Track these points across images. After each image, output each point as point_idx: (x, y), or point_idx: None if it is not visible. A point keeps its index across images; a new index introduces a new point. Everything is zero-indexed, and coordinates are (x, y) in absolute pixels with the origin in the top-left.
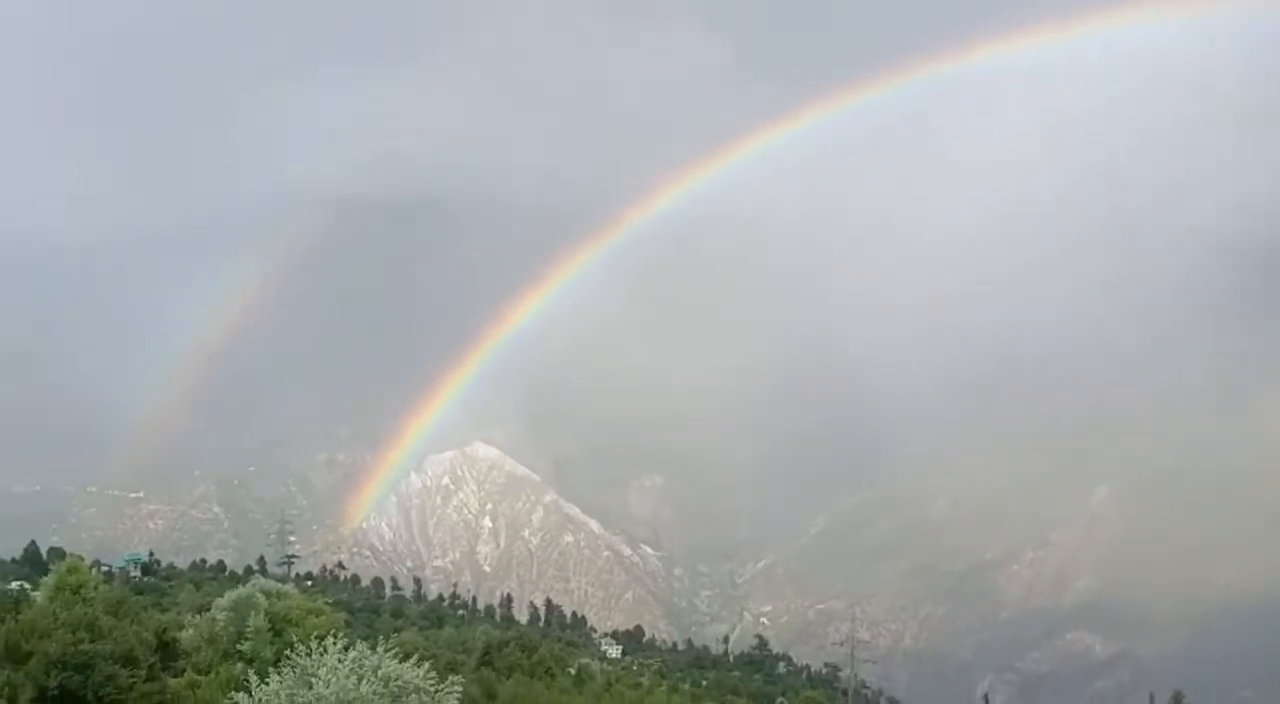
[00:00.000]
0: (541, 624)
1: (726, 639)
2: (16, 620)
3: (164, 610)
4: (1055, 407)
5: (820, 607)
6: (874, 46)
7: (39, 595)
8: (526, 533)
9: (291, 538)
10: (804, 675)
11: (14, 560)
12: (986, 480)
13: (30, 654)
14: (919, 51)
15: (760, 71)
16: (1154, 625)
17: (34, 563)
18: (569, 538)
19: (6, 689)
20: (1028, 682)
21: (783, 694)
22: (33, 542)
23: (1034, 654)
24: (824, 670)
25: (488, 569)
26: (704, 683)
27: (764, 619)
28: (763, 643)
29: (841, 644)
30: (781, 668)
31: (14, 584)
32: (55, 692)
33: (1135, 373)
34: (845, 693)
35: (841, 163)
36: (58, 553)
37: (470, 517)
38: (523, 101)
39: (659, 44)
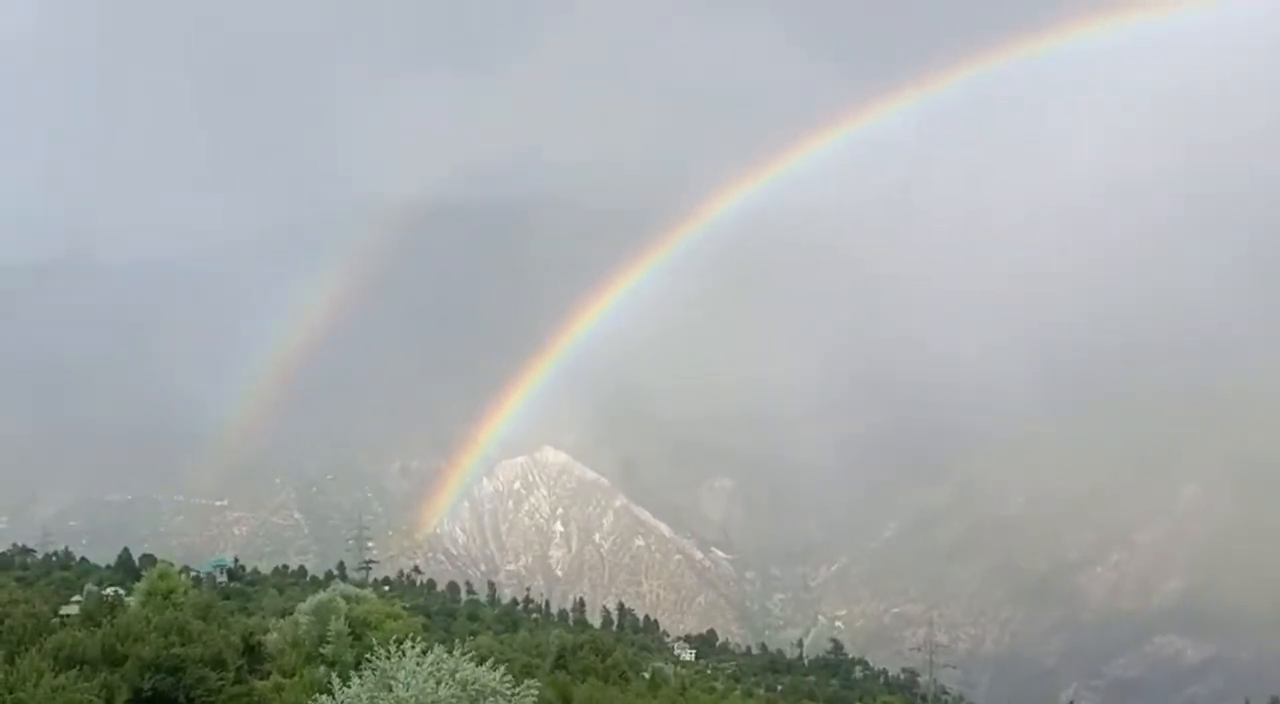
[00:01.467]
0: (614, 628)
1: (801, 643)
2: (112, 625)
3: (249, 615)
4: (1143, 399)
5: (896, 610)
6: (965, 29)
7: (132, 601)
8: (597, 537)
9: (369, 544)
10: (881, 680)
11: (109, 567)
12: (1067, 477)
13: (125, 657)
14: (1010, 32)
15: (839, 68)
16: (1248, 628)
17: (127, 569)
18: (640, 542)
19: (104, 691)
20: (1114, 688)
21: (859, 699)
22: (125, 549)
23: (1121, 659)
24: (901, 675)
25: (560, 573)
26: (779, 688)
27: (839, 623)
28: (838, 647)
29: (919, 648)
30: (858, 673)
31: (109, 590)
32: (149, 693)
33: (1228, 362)
34: (924, 698)
35: (916, 155)
36: (149, 559)
37: (542, 521)
38: (593, 107)
39: (733, 42)
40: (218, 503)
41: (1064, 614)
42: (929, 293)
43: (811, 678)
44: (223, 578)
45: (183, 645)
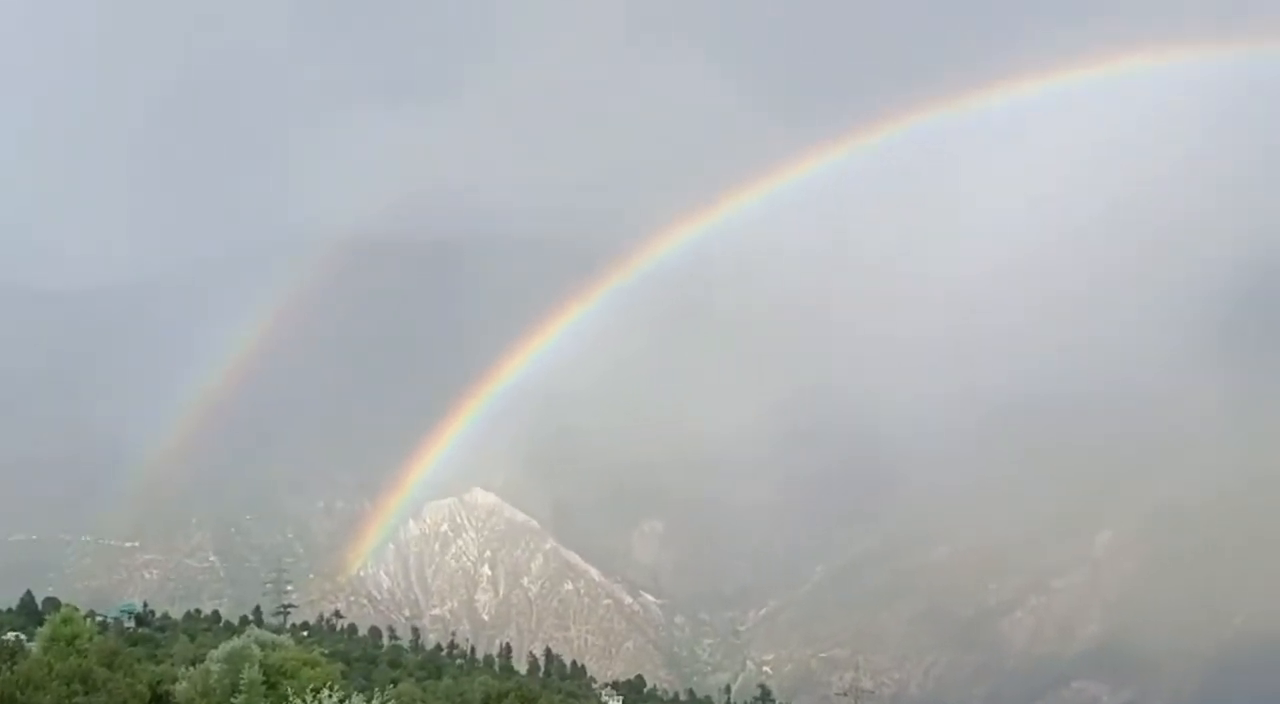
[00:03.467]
0: (541, 674)
1: (729, 688)
2: (12, 671)
3: (158, 662)
4: (1065, 449)
5: (823, 655)
6: (888, 85)
7: (34, 646)
8: (526, 581)
9: (288, 587)
10: None
11: (9, 610)
12: (989, 524)
13: None
14: (933, 90)
15: (775, 113)
16: (1164, 672)
17: (29, 613)
18: (569, 586)
19: None
20: None
21: None
22: (28, 592)
23: None
24: None
25: (486, 618)
26: None
27: (766, 668)
28: (765, 693)
29: (845, 694)
30: None
31: (9, 635)
32: None
33: (1147, 412)
34: None
35: (855, 201)
36: (53, 603)
37: (469, 564)
38: (532, 143)
39: (671, 87)
40: (128, 544)
41: (987, 659)
42: (856, 342)
43: None
44: (130, 623)
45: (86, 694)
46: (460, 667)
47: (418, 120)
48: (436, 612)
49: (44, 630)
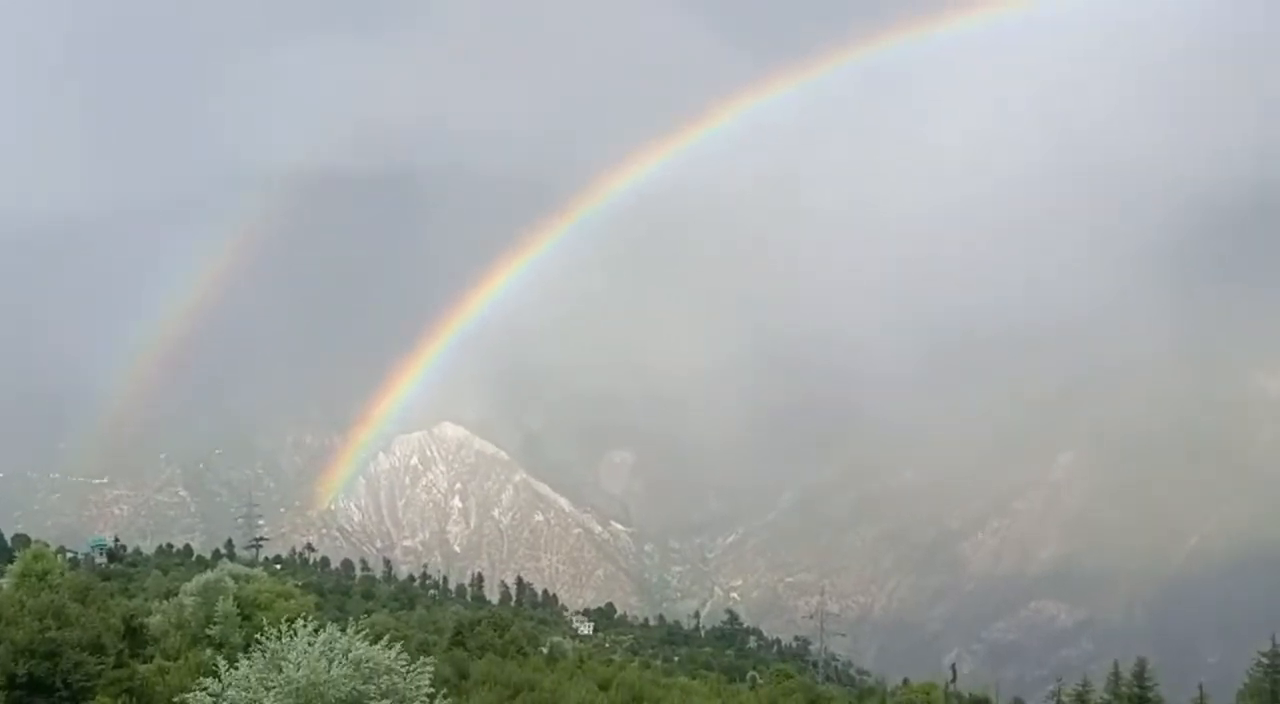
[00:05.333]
0: (513, 603)
1: (697, 615)
2: None
3: (131, 597)
4: (1022, 377)
5: (790, 580)
6: (842, 20)
7: (4, 583)
8: (496, 512)
9: (259, 521)
10: (774, 649)
11: None
12: (952, 451)
13: None
14: (886, 22)
15: (730, 41)
16: (1119, 592)
17: None
18: (539, 516)
19: None
20: (994, 651)
21: (754, 668)
22: None
23: (999, 624)
24: (794, 644)
25: (458, 549)
26: (675, 659)
27: (734, 594)
28: (733, 618)
29: (811, 617)
30: (752, 642)
31: None
32: (23, 679)
33: (1100, 341)
34: (815, 665)
35: (812, 136)
36: (23, 540)
37: (439, 497)
38: (493, 75)
39: (630, 19)
40: (96, 481)
41: (947, 581)
42: (817, 276)
43: (708, 649)
44: (102, 559)
45: (59, 629)
46: (433, 597)
47: (374, 52)
48: (408, 543)
49: (14, 567)
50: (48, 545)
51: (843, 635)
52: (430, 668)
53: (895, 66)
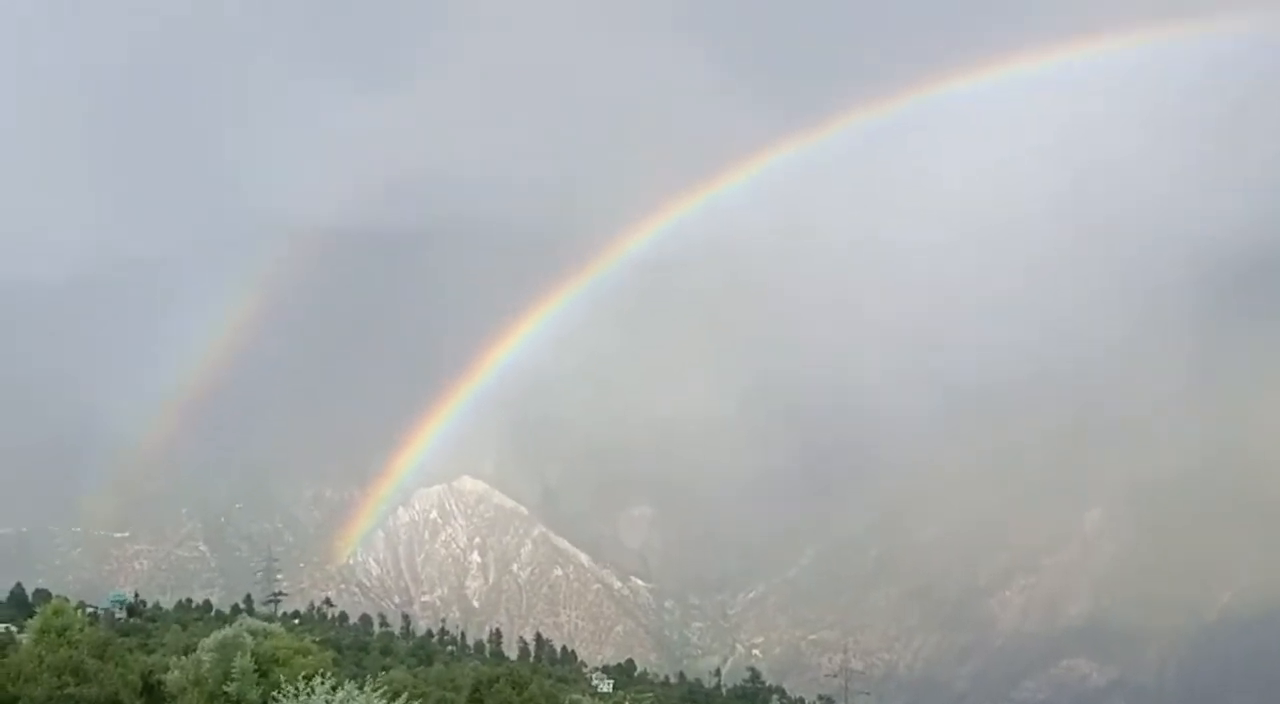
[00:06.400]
0: (531, 659)
1: (719, 672)
2: (3, 663)
3: (149, 652)
4: (1043, 423)
5: (813, 637)
6: (854, 74)
7: (25, 638)
8: (515, 567)
9: (278, 576)
10: None
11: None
12: (976, 503)
13: (16, 698)
14: (897, 78)
15: (745, 98)
16: (1151, 650)
17: (19, 605)
18: (558, 571)
19: None
20: None
21: None
22: (18, 584)
23: (1028, 683)
24: (818, 702)
25: (476, 604)
26: None
27: (756, 651)
28: (755, 675)
29: (835, 675)
30: (775, 701)
31: (0, 627)
32: None
33: (1120, 388)
34: None
35: (823, 186)
36: (43, 595)
37: (458, 551)
38: (504, 130)
39: (639, 72)
40: (118, 535)
41: (975, 639)
42: (835, 319)
43: None
44: (121, 614)
45: (77, 685)
46: (451, 653)
47: (384, 107)
48: (427, 598)
49: (34, 622)
50: (68, 600)
51: (867, 694)
52: None
53: (907, 117)
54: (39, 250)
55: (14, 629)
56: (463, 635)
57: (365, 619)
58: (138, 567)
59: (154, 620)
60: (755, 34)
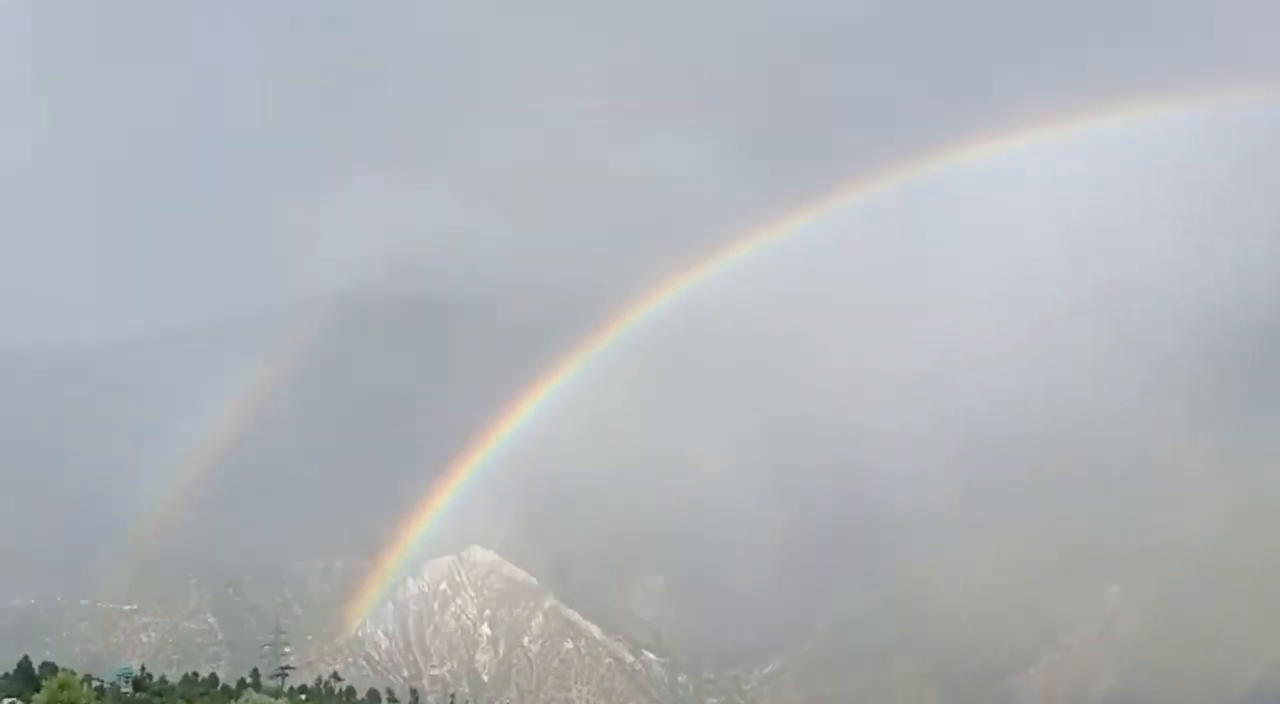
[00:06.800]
0: None
1: None
2: None
3: None
4: (1056, 493)
5: None
6: (866, 147)
7: None
8: (526, 640)
9: (286, 648)
10: None
11: (6, 676)
12: (996, 573)
13: None
14: (906, 149)
15: (761, 175)
16: None
17: (26, 678)
18: (569, 645)
19: None
20: None
21: None
22: (25, 657)
23: None
24: None
25: (486, 678)
26: None
27: None
28: None
29: None
30: None
31: (7, 700)
32: None
33: (1134, 453)
34: None
35: (837, 251)
36: (50, 668)
37: (468, 623)
38: (527, 207)
39: (658, 151)
40: (125, 607)
41: None
42: (846, 382)
43: None
44: (128, 688)
45: None
46: None
47: (411, 185)
48: (435, 672)
49: (41, 696)
50: (74, 673)
51: None
52: None
53: (914, 188)
54: (63, 319)
55: (20, 703)
56: None
57: (373, 694)
58: (145, 639)
59: (160, 694)
60: (773, 119)
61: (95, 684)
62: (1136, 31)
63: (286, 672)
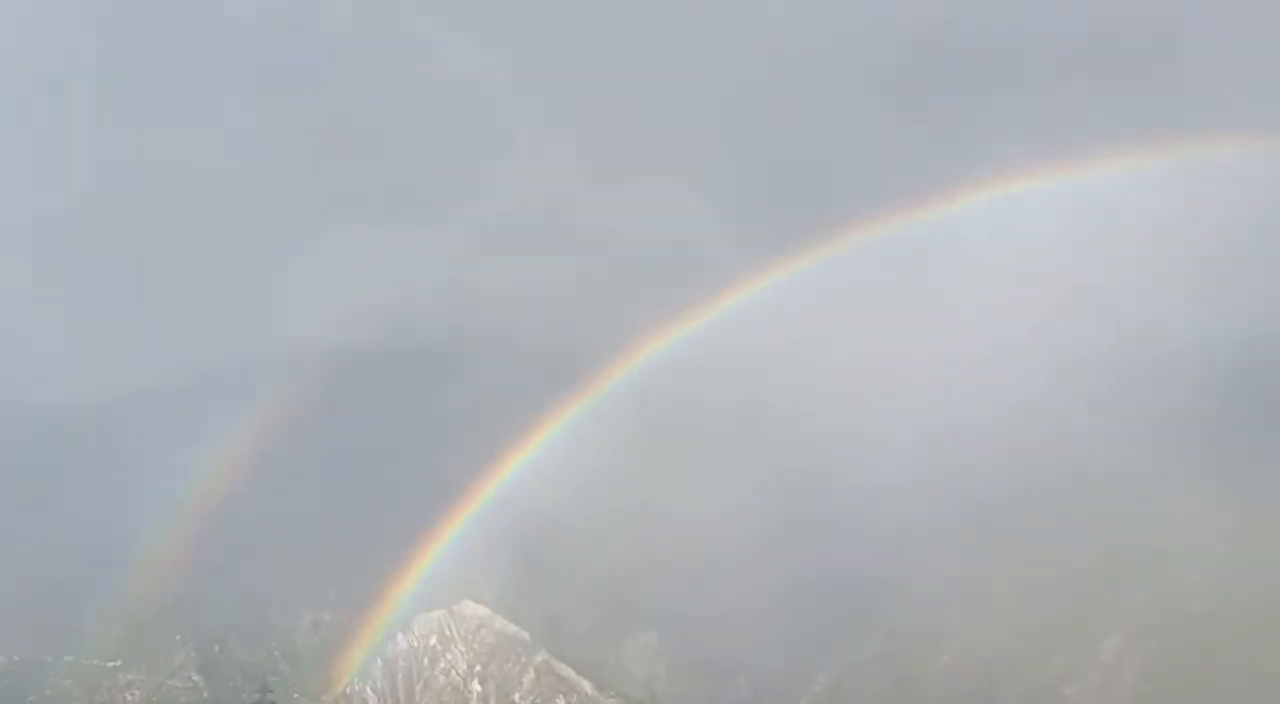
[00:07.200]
0: None
1: None
2: None
3: None
4: (1053, 544)
5: None
6: (858, 198)
7: None
8: (517, 696)
9: None
10: None
11: None
12: (992, 627)
13: None
14: (900, 200)
15: (750, 228)
16: None
17: None
18: (561, 700)
19: None
20: None
21: None
22: None
23: None
24: None
25: None
26: None
27: None
28: None
29: None
30: None
31: None
32: None
33: (1131, 507)
34: None
35: (830, 302)
36: None
37: (458, 679)
38: (520, 261)
39: (646, 207)
40: (110, 664)
41: None
42: (842, 433)
43: None
44: None
45: None
46: None
47: (404, 238)
48: None
49: None
50: None
51: None
52: None
53: (909, 238)
54: (51, 375)
55: None
56: None
57: None
58: (129, 697)
59: None
60: (760, 174)
61: None
62: (1123, 80)
63: None
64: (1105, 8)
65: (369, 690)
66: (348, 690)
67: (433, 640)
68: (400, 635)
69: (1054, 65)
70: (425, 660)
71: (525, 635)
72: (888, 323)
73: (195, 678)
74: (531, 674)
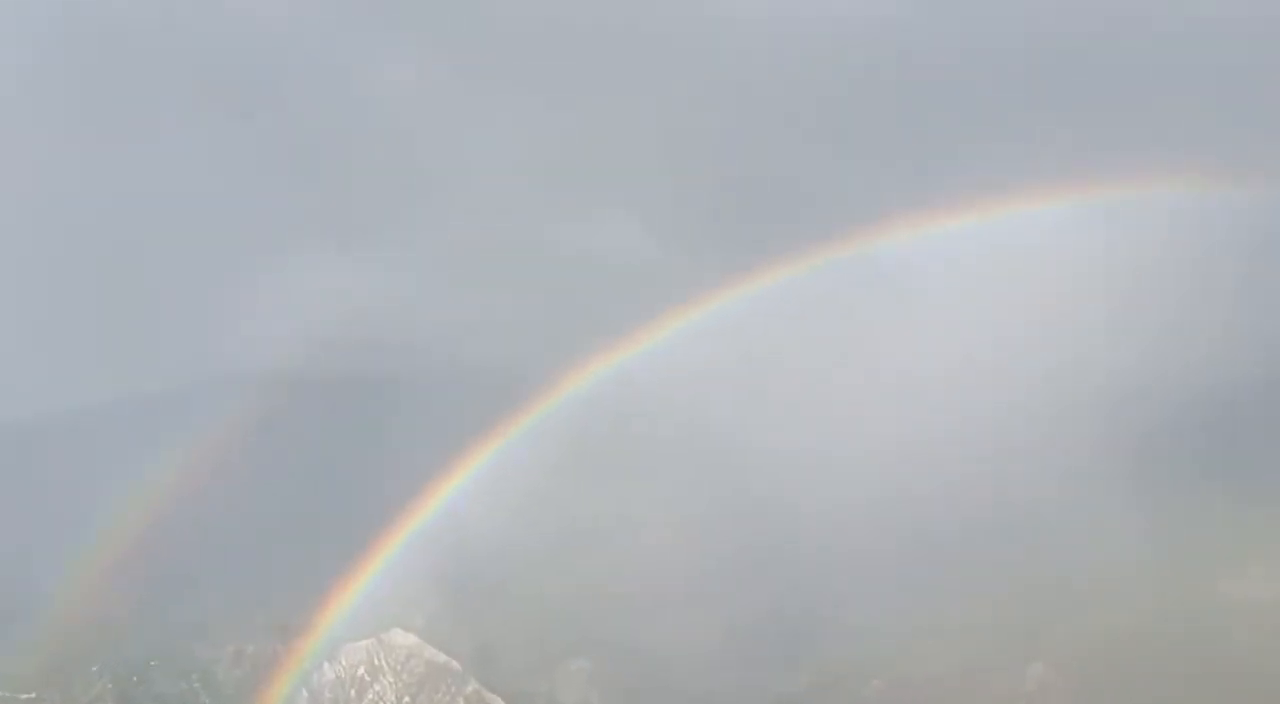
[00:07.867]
0: None
1: None
2: None
3: None
4: (990, 575)
5: None
6: (798, 227)
7: None
8: None
9: None
10: None
11: None
12: (923, 656)
13: None
14: (841, 229)
15: (695, 256)
16: None
17: None
18: None
19: None
20: None
21: None
22: None
23: None
24: None
25: None
26: None
27: None
28: None
29: None
30: None
31: None
32: None
33: (1063, 539)
34: None
35: (770, 329)
36: None
37: None
38: (460, 288)
39: (592, 237)
40: (23, 696)
41: None
42: (783, 458)
43: None
44: None
45: None
46: None
47: (350, 264)
48: None
49: None
50: None
51: None
52: None
53: (854, 265)
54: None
55: None
56: None
57: None
58: None
59: None
60: (706, 202)
61: None
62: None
63: None
64: (1047, 43)
65: None
66: None
67: (360, 670)
68: (326, 665)
69: (1000, 98)
70: (353, 692)
71: (455, 665)
72: (829, 351)
73: None
74: None
